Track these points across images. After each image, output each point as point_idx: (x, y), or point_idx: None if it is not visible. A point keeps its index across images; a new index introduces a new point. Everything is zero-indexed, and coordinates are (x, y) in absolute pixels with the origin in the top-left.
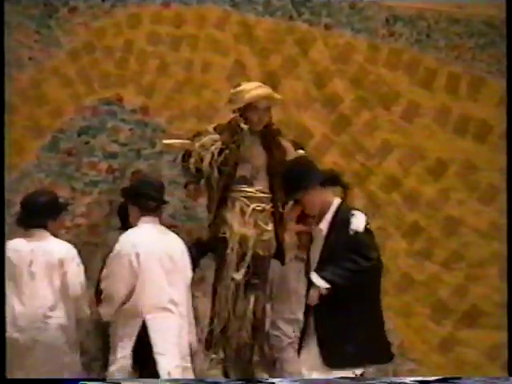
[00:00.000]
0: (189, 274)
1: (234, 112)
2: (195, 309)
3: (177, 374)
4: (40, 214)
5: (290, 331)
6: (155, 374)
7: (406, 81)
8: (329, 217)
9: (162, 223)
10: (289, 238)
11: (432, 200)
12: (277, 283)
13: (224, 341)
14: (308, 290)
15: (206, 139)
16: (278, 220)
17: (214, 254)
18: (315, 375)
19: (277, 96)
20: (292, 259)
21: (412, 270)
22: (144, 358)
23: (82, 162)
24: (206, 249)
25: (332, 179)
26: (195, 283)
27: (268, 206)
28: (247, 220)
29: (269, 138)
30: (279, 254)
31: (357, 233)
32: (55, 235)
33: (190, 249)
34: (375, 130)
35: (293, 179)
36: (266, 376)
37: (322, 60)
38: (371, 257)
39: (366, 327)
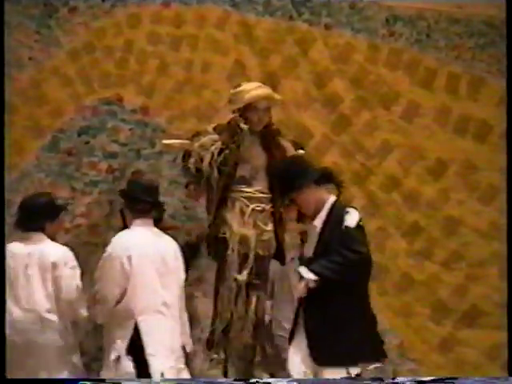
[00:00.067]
0: (182, 275)
1: (233, 112)
2: (195, 309)
3: (171, 376)
4: (37, 217)
5: None
6: (149, 376)
7: (406, 81)
8: (323, 214)
9: (161, 223)
10: (289, 238)
11: (432, 200)
12: (278, 283)
13: (226, 341)
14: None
15: (205, 139)
16: (278, 220)
17: (210, 254)
18: (303, 369)
19: (277, 96)
20: (292, 259)
21: (412, 269)
22: (138, 359)
23: (82, 162)
24: (196, 250)
25: (326, 177)
26: (195, 283)
27: (267, 207)
28: (247, 220)
29: (268, 138)
30: (279, 254)
31: (348, 228)
32: (53, 238)
33: (183, 249)
34: (375, 130)
35: (287, 178)
36: (266, 376)
37: (322, 60)
38: (359, 251)
39: (356, 324)
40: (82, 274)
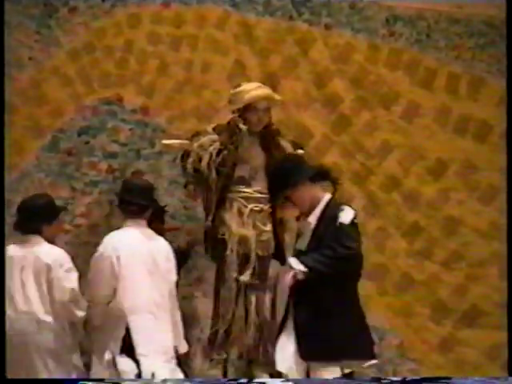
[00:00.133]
0: (173, 277)
1: (233, 112)
2: (195, 309)
3: (163, 376)
4: (34, 220)
5: None
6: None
7: (406, 81)
8: (318, 211)
9: (161, 224)
10: (289, 238)
11: (432, 200)
12: (277, 283)
13: (228, 342)
14: None
15: (204, 139)
16: (278, 220)
17: (209, 254)
18: (290, 364)
19: (276, 97)
20: None
21: (412, 269)
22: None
23: (82, 162)
24: (186, 256)
25: (321, 174)
26: (195, 283)
27: (266, 207)
28: (246, 221)
29: (268, 138)
30: (279, 254)
31: (342, 224)
32: (52, 239)
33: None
34: (375, 130)
35: (282, 176)
36: (266, 376)
37: (322, 60)
38: (350, 246)
39: (344, 321)
40: (82, 275)
